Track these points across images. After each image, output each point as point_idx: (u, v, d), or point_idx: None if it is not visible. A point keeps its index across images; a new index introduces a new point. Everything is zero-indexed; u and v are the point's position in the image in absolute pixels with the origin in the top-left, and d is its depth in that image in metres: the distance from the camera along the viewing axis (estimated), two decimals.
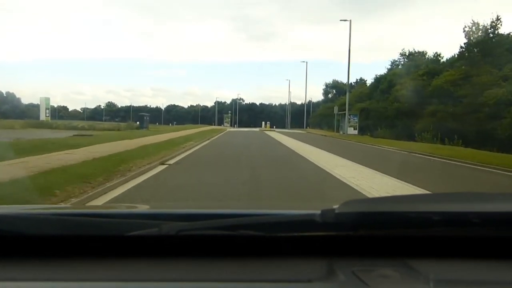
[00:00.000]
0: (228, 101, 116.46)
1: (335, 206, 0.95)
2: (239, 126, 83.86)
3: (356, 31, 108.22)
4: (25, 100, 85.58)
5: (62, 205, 4.38)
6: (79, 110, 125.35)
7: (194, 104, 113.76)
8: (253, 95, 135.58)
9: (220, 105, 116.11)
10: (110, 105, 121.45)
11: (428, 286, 0.84)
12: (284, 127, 75.02)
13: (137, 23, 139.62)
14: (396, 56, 58.41)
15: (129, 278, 0.91)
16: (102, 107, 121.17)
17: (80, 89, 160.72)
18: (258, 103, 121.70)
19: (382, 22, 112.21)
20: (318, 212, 0.95)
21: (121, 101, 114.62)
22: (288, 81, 68.15)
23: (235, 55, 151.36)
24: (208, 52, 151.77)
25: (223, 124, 62.36)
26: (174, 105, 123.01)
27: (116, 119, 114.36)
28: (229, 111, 74.54)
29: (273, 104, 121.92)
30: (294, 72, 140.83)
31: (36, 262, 0.96)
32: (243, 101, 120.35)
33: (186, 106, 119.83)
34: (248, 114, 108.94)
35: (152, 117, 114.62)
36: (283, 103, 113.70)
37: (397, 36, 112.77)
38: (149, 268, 0.93)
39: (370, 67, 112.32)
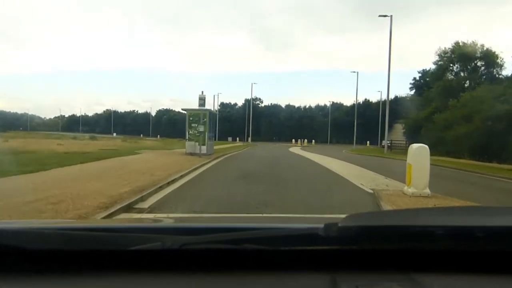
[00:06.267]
0: (240, 103, 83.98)
1: (339, 220, 1.02)
2: (254, 140, 51.96)
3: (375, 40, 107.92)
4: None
5: (66, 219, 4.23)
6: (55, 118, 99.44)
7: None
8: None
9: (227, 109, 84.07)
10: (106, 113, 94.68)
11: None
12: (327, 142, 42.92)
13: (157, 34, 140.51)
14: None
15: None
16: (78, 116, 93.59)
17: (101, 100, 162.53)
18: (283, 105, 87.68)
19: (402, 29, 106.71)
20: (321, 226, 1.02)
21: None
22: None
23: (254, 66, 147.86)
24: (227, 62, 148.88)
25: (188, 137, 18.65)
26: (167, 109, 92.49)
27: (97, 129, 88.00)
28: (202, 100, 26.44)
29: (306, 106, 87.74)
30: (314, 80, 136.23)
31: (40, 277, 1.03)
32: (261, 102, 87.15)
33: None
34: (270, 121, 76.44)
35: (139, 125, 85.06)
36: (321, 104, 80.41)
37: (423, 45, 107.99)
38: (153, 283, 1.01)
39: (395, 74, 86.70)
